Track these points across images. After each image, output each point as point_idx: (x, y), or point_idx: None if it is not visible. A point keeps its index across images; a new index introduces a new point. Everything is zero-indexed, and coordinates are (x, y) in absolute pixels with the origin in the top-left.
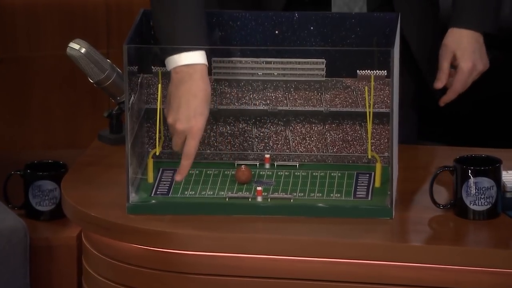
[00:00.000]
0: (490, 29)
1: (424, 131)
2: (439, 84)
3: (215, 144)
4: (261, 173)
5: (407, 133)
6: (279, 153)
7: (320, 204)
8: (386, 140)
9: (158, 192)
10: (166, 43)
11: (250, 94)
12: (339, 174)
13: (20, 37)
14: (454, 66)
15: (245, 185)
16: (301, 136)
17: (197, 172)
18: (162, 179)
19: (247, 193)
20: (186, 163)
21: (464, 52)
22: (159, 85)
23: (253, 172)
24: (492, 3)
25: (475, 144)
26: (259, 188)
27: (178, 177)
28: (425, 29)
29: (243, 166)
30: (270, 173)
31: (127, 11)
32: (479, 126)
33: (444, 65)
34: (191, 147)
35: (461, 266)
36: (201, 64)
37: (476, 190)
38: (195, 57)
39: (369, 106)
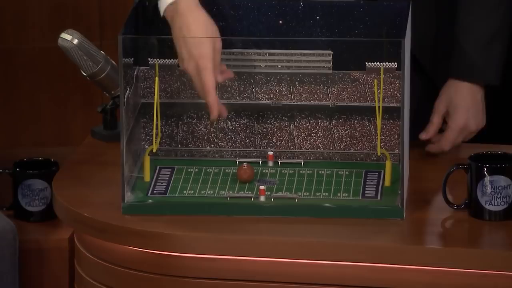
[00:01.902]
0: (492, 82)
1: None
2: (424, 136)
3: (216, 140)
4: (264, 171)
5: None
6: (283, 150)
7: (327, 204)
8: (396, 137)
9: (155, 192)
10: None
11: (253, 88)
12: (347, 173)
13: (5, 27)
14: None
15: (247, 184)
16: (306, 132)
17: (196, 170)
18: (159, 178)
19: (249, 192)
20: (210, 99)
21: (456, 110)
22: (156, 78)
23: (255, 170)
24: (496, 52)
25: (491, 140)
26: (262, 187)
27: (212, 116)
28: (424, 26)
29: (245, 164)
30: (274, 171)
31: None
32: (495, 121)
33: (435, 118)
34: (205, 81)
35: (477, 270)
36: None
37: (492, 189)
38: None
39: (379, 101)
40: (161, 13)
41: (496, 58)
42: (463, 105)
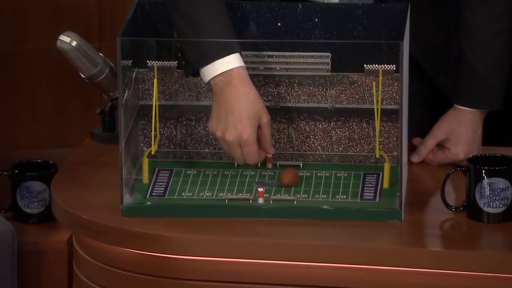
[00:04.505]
0: (495, 107)
1: None
2: (416, 159)
3: (214, 142)
4: (262, 173)
5: (418, 132)
6: (282, 152)
7: (325, 206)
8: (394, 139)
9: (153, 194)
10: (194, 53)
11: None
12: (345, 175)
13: (4, 29)
14: (440, 144)
15: (246, 186)
16: (305, 134)
17: (194, 172)
18: (157, 180)
19: (248, 194)
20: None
21: (458, 141)
22: (155, 80)
23: (253, 173)
24: (496, 80)
25: (490, 142)
26: (260, 189)
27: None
28: (424, 25)
29: (287, 168)
30: (272, 173)
31: (120, 1)
32: (493, 123)
33: (430, 143)
34: (249, 155)
35: (475, 272)
36: (237, 68)
37: (491, 192)
38: (229, 63)
39: (377, 103)
40: (204, 79)
41: (503, 84)
42: (465, 138)
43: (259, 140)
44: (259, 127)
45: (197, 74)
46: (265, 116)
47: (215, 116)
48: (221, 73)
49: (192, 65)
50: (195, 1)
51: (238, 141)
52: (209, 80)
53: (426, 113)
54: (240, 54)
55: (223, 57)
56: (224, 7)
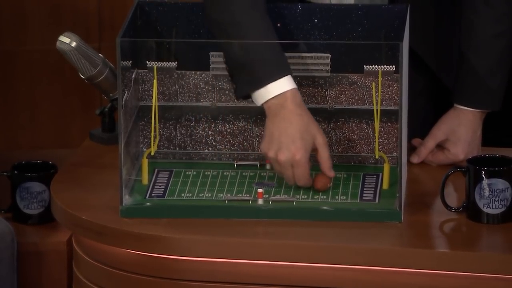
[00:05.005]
0: (494, 108)
1: None
2: (415, 160)
3: (214, 143)
4: (262, 174)
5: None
6: None
7: (325, 207)
8: (394, 139)
9: (153, 195)
10: (246, 76)
11: None
12: (345, 175)
13: (4, 29)
14: (440, 144)
15: (245, 187)
16: None
17: (194, 173)
18: (157, 181)
19: (247, 195)
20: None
21: (458, 142)
22: (154, 81)
23: (252, 174)
24: (497, 80)
25: (489, 143)
26: (260, 190)
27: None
28: (428, 23)
29: (319, 173)
30: (272, 174)
31: (120, 2)
32: (493, 124)
33: (430, 143)
34: (300, 177)
35: (474, 273)
36: (290, 90)
37: (490, 192)
38: (282, 85)
39: (377, 103)
40: (257, 102)
41: (503, 85)
42: (465, 138)
43: (318, 163)
44: (314, 149)
45: (248, 96)
46: (320, 137)
47: (268, 137)
48: (274, 96)
49: (244, 89)
50: (242, 25)
51: (290, 161)
52: (262, 104)
53: (429, 114)
54: (291, 75)
55: (276, 80)
56: (271, 26)
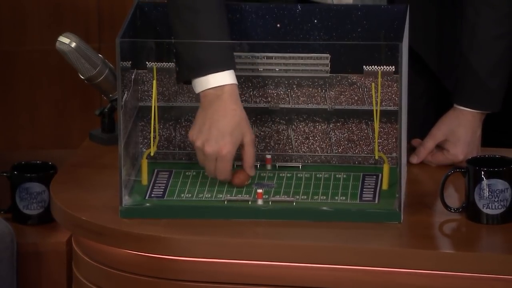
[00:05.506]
0: (494, 109)
1: None
2: (415, 160)
3: None
4: (262, 174)
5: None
6: (281, 153)
7: (324, 208)
8: (394, 140)
9: (152, 195)
10: (190, 64)
11: (250, 91)
12: (345, 176)
13: (4, 30)
14: (440, 145)
15: (245, 187)
16: (304, 136)
17: (194, 173)
18: (157, 181)
19: (247, 196)
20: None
21: (457, 142)
22: (154, 81)
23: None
24: (496, 81)
25: (489, 143)
26: (259, 191)
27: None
28: (430, 23)
29: (239, 169)
30: (272, 174)
31: (120, 2)
32: (492, 125)
33: (429, 144)
34: (222, 171)
35: (474, 273)
36: (229, 84)
37: (490, 193)
38: (223, 78)
39: (376, 104)
40: (195, 89)
41: (503, 86)
42: (465, 139)
43: (242, 159)
44: (241, 146)
45: (188, 82)
46: (249, 135)
47: (198, 126)
48: (213, 87)
49: (185, 74)
50: (197, 10)
51: (216, 154)
52: (199, 92)
53: (429, 114)
54: (235, 71)
55: (218, 72)
56: (226, 20)
